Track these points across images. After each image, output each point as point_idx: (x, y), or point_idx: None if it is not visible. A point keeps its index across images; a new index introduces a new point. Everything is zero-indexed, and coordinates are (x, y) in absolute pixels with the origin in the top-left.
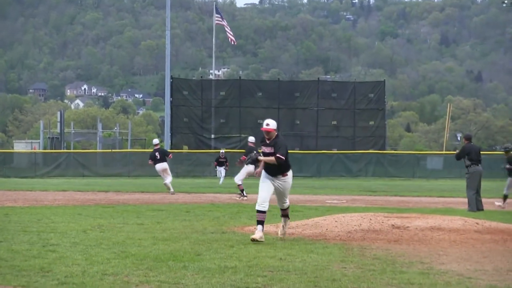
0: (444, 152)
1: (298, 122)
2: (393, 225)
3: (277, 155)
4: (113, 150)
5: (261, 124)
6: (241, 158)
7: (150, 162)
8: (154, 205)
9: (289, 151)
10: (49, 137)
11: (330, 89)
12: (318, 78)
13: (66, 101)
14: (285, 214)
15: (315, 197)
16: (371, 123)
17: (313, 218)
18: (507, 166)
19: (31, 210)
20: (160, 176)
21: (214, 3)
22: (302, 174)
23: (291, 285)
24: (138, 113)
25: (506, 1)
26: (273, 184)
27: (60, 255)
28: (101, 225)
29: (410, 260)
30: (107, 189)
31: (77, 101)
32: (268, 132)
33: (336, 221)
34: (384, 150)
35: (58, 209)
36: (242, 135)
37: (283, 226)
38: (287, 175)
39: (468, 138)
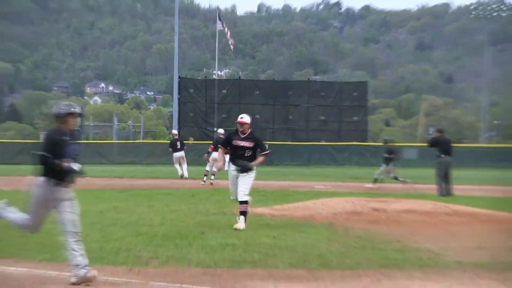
0: (417, 144)
1: (291, 117)
2: (372, 208)
3: (265, 153)
4: (127, 141)
5: (257, 119)
6: (210, 148)
7: (170, 149)
8: (163, 190)
9: (282, 142)
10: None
11: (319, 88)
12: (308, 79)
13: (86, 97)
14: (242, 210)
15: (305, 183)
16: (355, 118)
17: (303, 201)
18: (385, 155)
19: None
20: (171, 164)
21: (217, 11)
22: (294, 163)
23: (283, 261)
24: (150, 108)
25: (473, 12)
26: (236, 176)
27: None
28: (116, 207)
29: (387, 239)
30: (121, 175)
31: (96, 97)
32: (242, 124)
33: (323, 204)
34: (366, 142)
35: (78, 192)
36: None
37: (240, 219)
38: (252, 172)
39: (440, 131)
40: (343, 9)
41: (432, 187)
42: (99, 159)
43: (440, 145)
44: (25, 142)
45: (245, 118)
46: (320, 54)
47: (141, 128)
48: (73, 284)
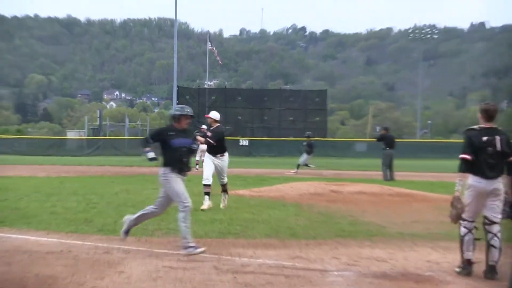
0: (367, 139)
1: (266, 118)
2: (331, 190)
3: (207, 139)
4: (136, 137)
5: (239, 120)
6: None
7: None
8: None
9: (259, 138)
10: (91, 128)
11: (289, 95)
12: (280, 88)
13: (103, 102)
14: (224, 189)
15: (278, 171)
16: (317, 119)
17: (276, 185)
18: (306, 147)
19: (79, 179)
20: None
21: (208, 34)
22: (269, 154)
23: (259, 231)
24: (154, 111)
25: (410, 35)
26: (213, 162)
27: (99, 210)
28: (127, 190)
29: (343, 214)
30: (131, 164)
31: (111, 102)
32: (208, 119)
33: (291, 188)
34: (326, 137)
35: (97, 178)
36: (226, 127)
37: (223, 199)
38: (223, 155)
39: (386, 129)
40: (307, 32)
41: (378, 173)
42: (114, 151)
43: (386, 140)
44: (55, 138)
45: (210, 114)
46: (289, 68)
47: (147, 127)
48: (185, 256)
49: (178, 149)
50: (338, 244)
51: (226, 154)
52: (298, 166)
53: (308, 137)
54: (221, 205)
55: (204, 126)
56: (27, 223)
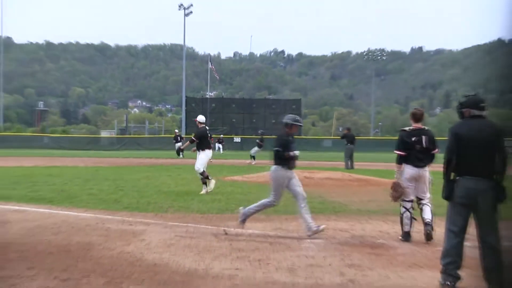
0: (332, 137)
1: (254, 120)
2: (305, 176)
3: (192, 137)
4: (154, 135)
5: (234, 122)
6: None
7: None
8: (176, 165)
9: (249, 136)
10: (119, 128)
11: (271, 103)
12: (265, 97)
13: (128, 109)
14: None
15: (263, 161)
16: None
17: (262, 172)
18: (258, 141)
19: (110, 168)
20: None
21: (209, 56)
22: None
23: (269, 212)
24: (168, 115)
25: (365, 56)
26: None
27: (125, 192)
28: (147, 176)
29: (314, 195)
30: (150, 157)
31: (135, 109)
32: (196, 121)
33: None
34: (300, 136)
35: (124, 167)
36: (223, 127)
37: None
38: (204, 151)
39: (348, 129)
40: (285, 55)
41: (341, 164)
42: (137, 147)
43: (347, 138)
44: (91, 136)
45: (197, 117)
46: (272, 82)
47: (162, 128)
48: (309, 236)
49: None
50: (311, 218)
51: (208, 150)
52: (251, 157)
53: (261, 134)
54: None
55: (176, 130)
56: (70, 202)
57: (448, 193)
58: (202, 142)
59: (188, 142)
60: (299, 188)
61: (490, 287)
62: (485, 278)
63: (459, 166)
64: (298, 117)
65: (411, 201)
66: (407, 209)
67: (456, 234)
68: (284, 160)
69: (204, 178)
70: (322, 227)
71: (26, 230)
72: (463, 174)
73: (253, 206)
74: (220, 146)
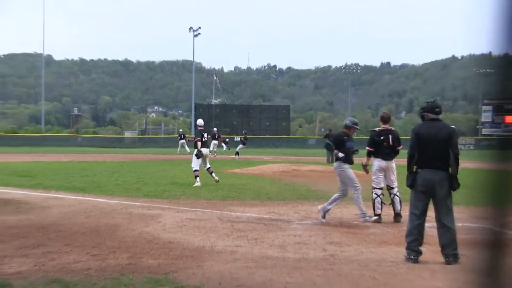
0: (316, 136)
1: (251, 123)
2: (293, 169)
3: (195, 138)
4: (168, 135)
5: (235, 125)
6: (188, 139)
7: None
8: (187, 160)
9: (248, 136)
10: (140, 130)
11: (266, 109)
12: (260, 104)
13: (147, 113)
14: (210, 172)
15: (259, 156)
16: (284, 124)
17: (258, 166)
18: (242, 139)
19: (132, 163)
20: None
21: (214, 70)
22: (253, 146)
23: (247, 196)
24: (180, 119)
25: (343, 70)
26: (206, 154)
27: (145, 183)
28: (163, 170)
29: (301, 184)
30: (165, 153)
31: (152, 114)
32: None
33: (268, 167)
34: (289, 135)
35: (144, 162)
36: (225, 129)
37: (213, 177)
38: (204, 148)
39: (330, 130)
40: (277, 68)
41: (323, 158)
42: (154, 145)
43: (329, 137)
44: (117, 136)
45: (197, 121)
46: (266, 91)
47: (175, 129)
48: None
49: (349, 149)
50: (298, 204)
51: (204, 148)
52: (236, 153)
53: (245, 134)
54: (216, 180)
55: (180, 130)
56: (99, 190)
57: (411, 183)
58: (204, 142)
59: (188, 139)
60: (352, 180)
61: (447, 260)
62: (442, 252)
63: (419, 160)
64: (356, 121)
65: (381, 188)
66: (378, 195)
67: (418, 217)
68: (344, 156)
69: (195, 176)
70: (373, 218)
71: (63, 214)
72: (423, 167)
73: (327, 203)
74: (225, 144)
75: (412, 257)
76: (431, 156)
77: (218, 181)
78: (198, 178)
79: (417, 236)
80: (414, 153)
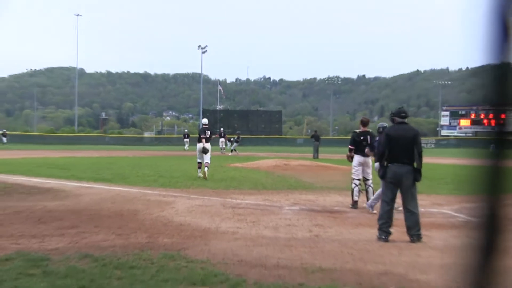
0: (303, 136)
1: (250, 125)
2: (284, 164)
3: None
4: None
5: (235, 126)
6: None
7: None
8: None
9: (247, 136)
10: (157, 130)
11: (261, 113)
12: (257, 109)
13: (163, 117)
14: (206, 166)
15: (256, 153)
16: (276, 126)
17: (255, 161)
18: (236, 138)
19: (150, 158)
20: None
21: (218, 81)
22: (251, 144)
23: (246, 186)
24: (190, 122)
25: (326, 81)
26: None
27: (161, 175)
28: (176, 164)
29: (290, 177)
30: (178, 150)
31: (167, 117)
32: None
33: (263, 162)
34: (281, 135)
35: (160, 158)
36: (228, 129)
37: (205, 172)
38: (197, 144)
39: (315, 131)
40: (271, 80)
41: (309, 155)
42: (168, 143)
43: (315, 137)
44: (137, 136)
45: (202, 120)
46: (262, 99)
47: (186, 130)
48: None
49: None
50: (288, 192)
51: (198, 144)
52: (232, 150)
53: (238, 134)
54: (203, 175)
55: (186, 130)
56: (123, 181)
57: (382, 175)
58: (199, 137)
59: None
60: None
61: (411, 239)
62: (407, 233)
63: (389, 156)
64: (385, 124)
65: (359, 179)
66: (356, 185)
67: (388, 203)
68: (358, 150)
69: (198, 167)
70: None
71: (93, 200)
72: (392, 162)
73: (372, 198)
74: (229, 143)
75: (383, 237)
76: (399, 153)
77: (206, 178)
78: (199, 173)
79: (387, 219)
80: (384, 150)
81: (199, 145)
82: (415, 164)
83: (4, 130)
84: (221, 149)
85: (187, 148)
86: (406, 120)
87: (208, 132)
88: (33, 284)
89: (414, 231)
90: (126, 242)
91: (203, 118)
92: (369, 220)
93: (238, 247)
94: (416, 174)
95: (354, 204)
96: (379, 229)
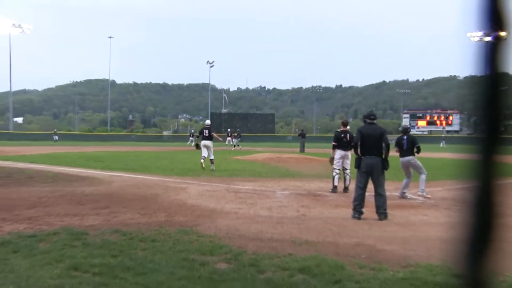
0: (292, 134)
1: (249, 125)
2: (277, 156)
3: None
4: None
5: (237, 126)
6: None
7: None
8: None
9: (246, 134)
10: (173, 130)
11: (258, 116)
12: (255, 112)
13: (178, 119)
14: (211, 162)
15: (254, 148)
16: (270, 126)
17: (253, 154)
18: (237, 135)
19: (168, 152)
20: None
21: (223, 90)
22: (250, 141)
23: (246, 174)
24: (200, 123)
25: (311, 90)
26: (205, 145)
27: (176, 165)
28: (188, 157)
29: (282, 167)
30: (190, 146)
31: (182, 119)
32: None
33: (259, 156)
34: (274, 133)
35: (176, 152)
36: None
37: (212, 166)
38: (203, 141)
39: (302, 130)
40: (266, 88)
41: (297, 149)
42: (183, 140)
43: (301, 135)
44: (158, 135)
45: (206, 121)
46: (258, 104)
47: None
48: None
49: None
50: (280, 180)
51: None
52: (235, 145)
53: (238, 131)
54: (210, 168)
55: (192, 130)
56: (146, 171)
57: (357, 165)
58: (210, 137)
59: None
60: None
61: (380, 217)
62: (376, 212)
63: (362, 150)
64: (408, 125)
65: (339, 169)
66: (337, 173)
67: (361, 188)
68: (338, 147)
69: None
70: (428, 196)
71: (121, 186)
72: (365, 154)
73: (402, 189)
74: (235, 139)
75: (357, 215)
76: (370, 147)
77: (204, 169)
78: (202, 161)
79: (360, 201)
80: (357, 142)
81: (203, 142)
82: (383, 156)
83: (55, 130)
84: (232, 145)
85: (189, 144)
86: (375, 121)
87: (207, 132)
88: (75, 253)
89: (381, 210)
90: (148, 220)
91: (206, 120)
92: (345, 202)
93: (239, 224)
94: (385, 164)
95: (334, 189)
96: (354, 209)
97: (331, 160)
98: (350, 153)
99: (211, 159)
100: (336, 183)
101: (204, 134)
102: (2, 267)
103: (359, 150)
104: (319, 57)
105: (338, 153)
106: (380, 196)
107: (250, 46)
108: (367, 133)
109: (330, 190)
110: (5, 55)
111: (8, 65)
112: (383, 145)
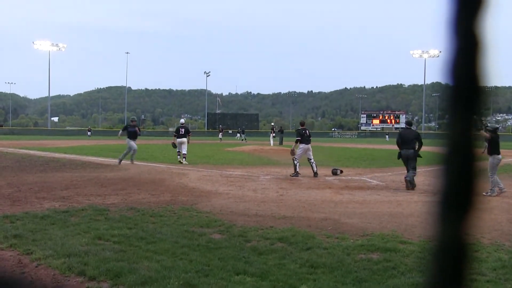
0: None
1: (237, 123)
2: (261, 148)
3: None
4: (193, 130)
5: (229, 124)
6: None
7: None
8: (206, 145)
9: (234, 130)
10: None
11: (245, 115)
12: (242, 113)
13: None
14: (184, 157)
15: (248, 143)
16: (255, 123)
17: (240, 146)
18: (241, 131)
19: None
20: (211, 137)
21: (217, 94)
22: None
23: (235, 163)
24: (198, 121)
25: (287, 94)
26: (180, 142)
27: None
28: (189, 150)
29: (265, 157)
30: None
31: (183, 119)
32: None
33: (246, 147)
34: (258, 130)
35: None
36: (224, 126)
37: (183, 159)
38: (178, 139)
39: (281, 127)
40: (252, 93)
41: (277, 143)
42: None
43: (280, 131)
44: (164, 130)
45: (181, 120)
46: (245, 106)
47: (196, 127)
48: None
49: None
50: (263, 167)
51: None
52: (242, 139)
53: (243, 129)
54: (183, 162)
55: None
56: (155, 160)
57: (399, 156)
58: (184, 135)
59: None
60: None
61: (411, 187)
62: (406, 183)
63: (401, 145)
64: (496, 126)
65: (299, 158)
66: (298, 162)
67: (407, 169)
68: (300, 141)
69: (178, 155)
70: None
71: (136, 172)
72: (402, 148)
73: (491, 187)
74: (243, 134)
75: (410, 186)
76: (405, 143)
77: (181, 162)
78: (178, 157)
79: (411, 178)
80: (398, 140)
81: (178, 140)
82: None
83: (89, 127)
84: (241, 139)
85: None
86: (411, 126)
87: (183, 130)
88: (99, 225)
89: (413, 181)
90: (157, 199)
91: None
92: (315, 185)
93: (230, 203)
94: (416, 154)
95: (296, 173)
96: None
97: (292, 151)
98: (310, 145)
99: (183, 154)
100: (297, 169)
101: (180, 133)
102: (42, 236)
103: (399, 145)
104: (294, 66)
105: (301, 146)
106: (414, 170)
107: (239, 58)
108: (404, 134)
109: (292, 175)
110: (45, 67)
111: (48, 75)
112: (417, 142)
